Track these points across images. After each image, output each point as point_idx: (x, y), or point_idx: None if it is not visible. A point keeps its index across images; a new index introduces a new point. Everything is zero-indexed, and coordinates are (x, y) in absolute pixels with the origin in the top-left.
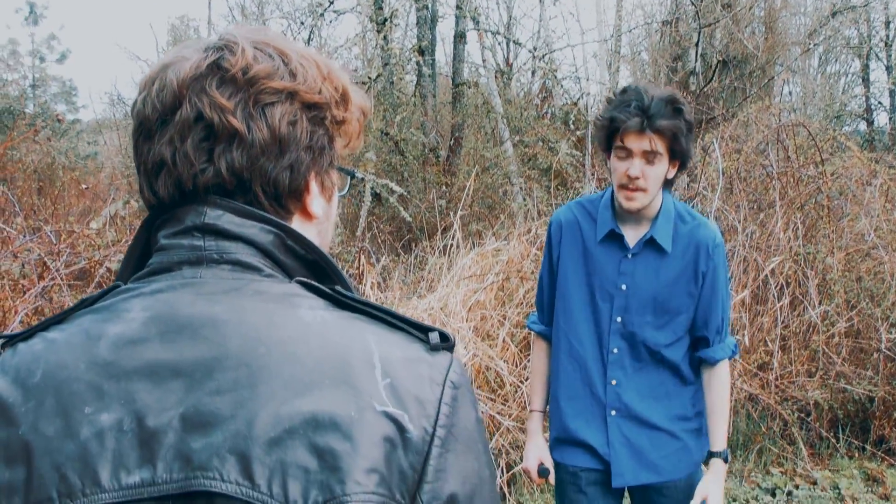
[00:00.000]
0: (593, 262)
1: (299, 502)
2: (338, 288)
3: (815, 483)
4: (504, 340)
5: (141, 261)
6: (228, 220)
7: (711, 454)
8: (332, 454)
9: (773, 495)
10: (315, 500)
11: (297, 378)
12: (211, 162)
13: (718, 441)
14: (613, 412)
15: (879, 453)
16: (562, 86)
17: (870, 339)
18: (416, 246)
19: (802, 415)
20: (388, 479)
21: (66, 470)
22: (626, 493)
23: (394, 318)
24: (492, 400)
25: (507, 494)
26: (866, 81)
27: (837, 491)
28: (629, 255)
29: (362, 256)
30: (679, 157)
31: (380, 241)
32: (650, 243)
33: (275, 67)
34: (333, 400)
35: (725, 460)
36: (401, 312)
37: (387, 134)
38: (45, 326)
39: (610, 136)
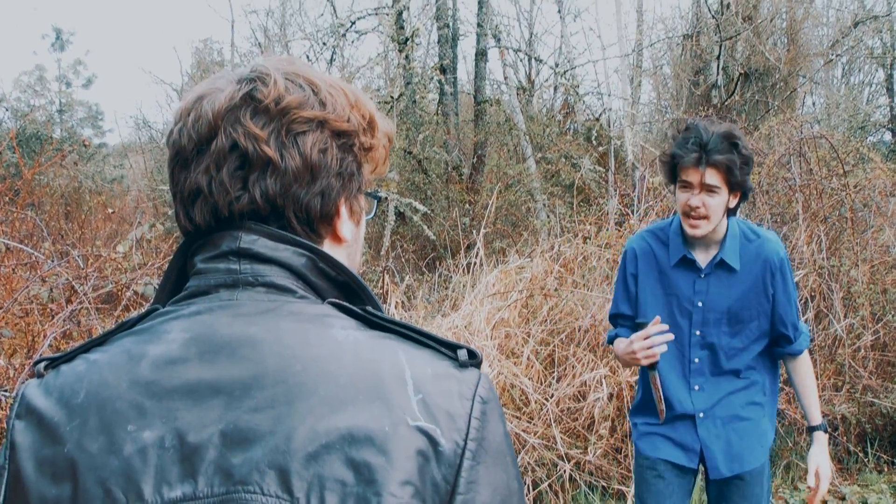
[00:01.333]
0: (669, 284)
1: None
2: (368, 308)
3: (843, 498)
4: (528, 358)
5: (177, 285)
6: (263, 245)
7: (813, 428)
8: (368, 468)
9: None
10: None
11: (332, 395)
12: (246, 189)
13: (816, 416)
14: (701, 414)
15: None
16: (584, 102)
17: None
18: (440, 264)
19: (830, 429)
20: (422, 490)
21: (110, 485)
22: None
23: (423, 337)
24: (517, 418)
25: None
26: (891, 91)
27: None
28: (702, 276)
29: (386, 276)
30: (737, 188)
31: (404, 260)
32: (720, 264)
33: (305, 97)
34: (368, 415)
35: (825, 430)
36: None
37: (410, 153)
38: (86, 348)
39: (672, 170)
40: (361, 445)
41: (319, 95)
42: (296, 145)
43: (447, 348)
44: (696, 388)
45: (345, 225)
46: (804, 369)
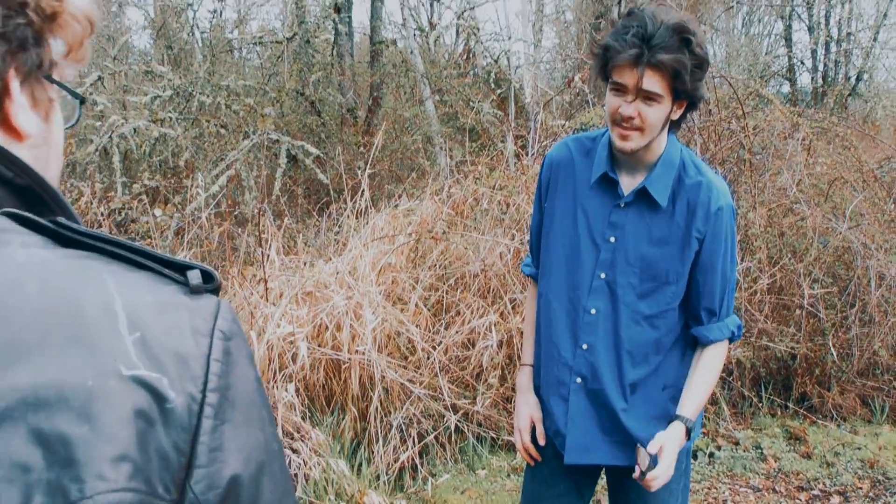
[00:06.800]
0: (582, 208)
1: None
2: (61, 219)
3: (737, 443)
4: (416, 304)
5: None
6: None
7: (675, 416)
8: (64, 442)
9: (695, 457)
10: None
11: (10, 339)
12: None
13: (686, 407)
14: (578, 380)
15: (801, 411)
16: (483, 45)
17: (792, 296)
18: (331, 208)
19: (724, 374)
20: (144, 467)
21: None
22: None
23: (139, 255)
24: (403, 367)
25: (420, 465)
26: (789, 42)
27: (760, 451)
28: (621, 205)
29: (266, 218)
30: (685, 96)
31: (297, 204)
32: (643, 194)
33: None
34: (62, 366)
35: (689, 431)
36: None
37: (302, 94)
38: None
39: (605, 66)
40: (53, 410)
41: None
42: None
43: (173, 269)
44: (584, 346)
45: (22, 112)
46: (704, 362)
